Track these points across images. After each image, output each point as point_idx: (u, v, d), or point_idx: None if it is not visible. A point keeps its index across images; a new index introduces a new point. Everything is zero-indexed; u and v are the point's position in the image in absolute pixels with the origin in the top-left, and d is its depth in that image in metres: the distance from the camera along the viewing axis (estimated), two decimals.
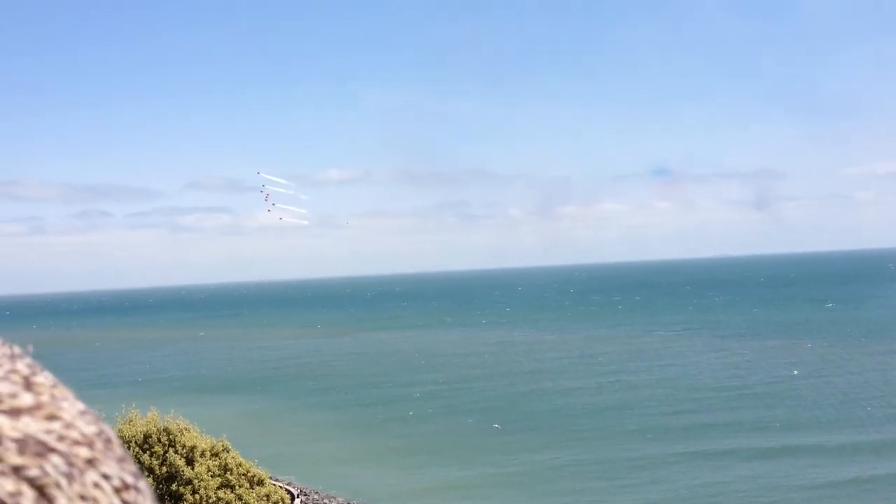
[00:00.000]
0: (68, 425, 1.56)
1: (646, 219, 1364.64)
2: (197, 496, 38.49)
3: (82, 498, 1.49)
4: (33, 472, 1.50)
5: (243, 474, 40.59)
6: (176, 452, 39.47)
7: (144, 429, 40.26)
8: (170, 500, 38.42)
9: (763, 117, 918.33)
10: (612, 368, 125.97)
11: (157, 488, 37.76)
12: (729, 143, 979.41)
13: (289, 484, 57.01)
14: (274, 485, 45.69)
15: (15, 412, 1.57)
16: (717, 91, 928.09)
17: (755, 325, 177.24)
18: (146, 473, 37.55)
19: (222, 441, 41.87)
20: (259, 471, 41.89)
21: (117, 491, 1.55)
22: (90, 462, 1.54)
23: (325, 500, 59.66)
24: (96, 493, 1.52)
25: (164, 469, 38.97)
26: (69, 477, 1.49)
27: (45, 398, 1.63)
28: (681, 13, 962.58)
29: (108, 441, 1.60)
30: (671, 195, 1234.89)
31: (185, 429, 41.14)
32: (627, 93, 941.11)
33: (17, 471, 1.50)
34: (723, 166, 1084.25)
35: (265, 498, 40.74)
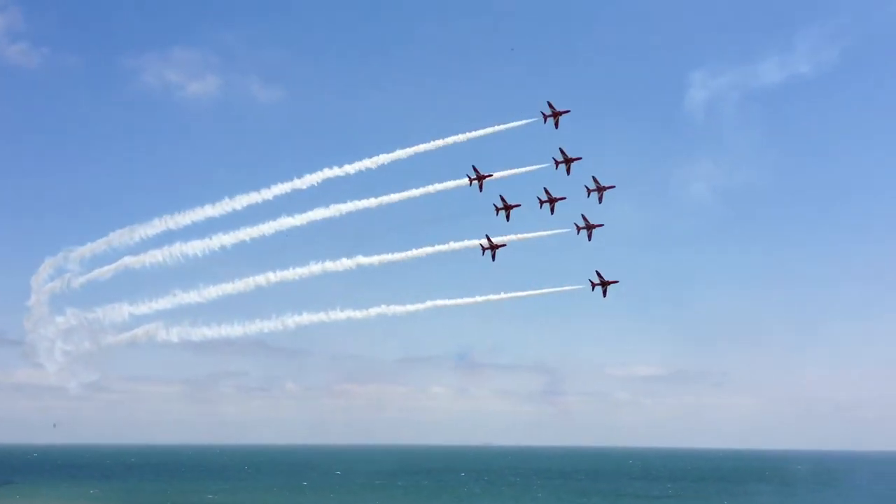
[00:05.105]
0: None
1: (431, 402, 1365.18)
2: None
3: None
4: None
5: None
6: None
7: None
8: None
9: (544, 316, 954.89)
10: None
11: None
12: (517, 338, 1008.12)
13: None
14: None
15: None
16: None
17: None
18: None
19: None
20: None
21: None
22: None
23: None
24: None
25: None
26: None
27: None
28: None
29: None
30: (459, 381, 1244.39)
31: None
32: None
33: None
34: (512, 357, 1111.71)
35: None
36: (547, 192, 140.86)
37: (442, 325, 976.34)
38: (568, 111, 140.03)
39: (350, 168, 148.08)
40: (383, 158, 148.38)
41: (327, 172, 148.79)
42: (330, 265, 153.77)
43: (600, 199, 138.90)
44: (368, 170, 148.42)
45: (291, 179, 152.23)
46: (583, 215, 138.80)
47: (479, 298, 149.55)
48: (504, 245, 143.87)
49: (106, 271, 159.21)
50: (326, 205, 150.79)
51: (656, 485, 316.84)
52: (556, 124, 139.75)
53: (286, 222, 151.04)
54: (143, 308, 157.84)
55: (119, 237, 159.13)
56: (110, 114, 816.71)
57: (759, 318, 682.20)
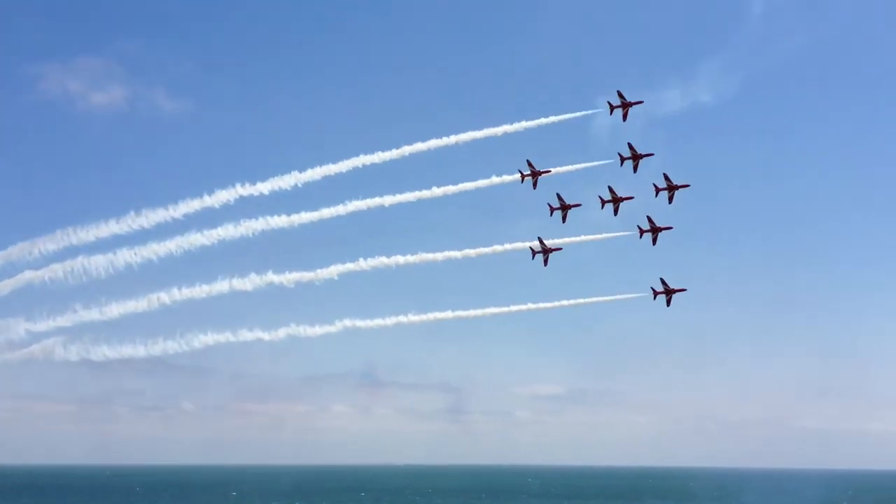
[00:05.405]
0: None
1: (332, 421, 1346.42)
2: None
3: None
4: None
5: None
6: None
7: None
8: None
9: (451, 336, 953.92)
10: None
11: None
12: (422, 357, 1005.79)
13: None
14: None
15: None
16: None
17: None
18: None
19: None
20: None
21: None
22: None
23: None
24: None
25: None
26: None
27: None
28: None
29: None
30: (363, 400, 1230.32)
31: None
32: None
33: None
34: (416, 376, 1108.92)
35: None
36: (611, 190, 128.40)
37: (347, 344, 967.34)
38: (641, 102, 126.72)
39: (263, 187, 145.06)
40: (297, 177, 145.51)
41: (240, 190, 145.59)
42: (238, 283, 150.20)
43: (670, 200, 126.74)
44: (282, 189, 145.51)
45: (200, 195, 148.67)
46: (648, 217, 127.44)
47: (388, 321, 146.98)
48: (559, 249, 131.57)
49: (5, 286, 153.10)
50: (238, 221, 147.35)
51: (554, 503, 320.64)
52: (625, 116, 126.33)
53: (195, 240, 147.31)
54: (42, 325, 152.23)
55: (19, 251, 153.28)
56: (10, 122, 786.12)
57: (657, 338, 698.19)
